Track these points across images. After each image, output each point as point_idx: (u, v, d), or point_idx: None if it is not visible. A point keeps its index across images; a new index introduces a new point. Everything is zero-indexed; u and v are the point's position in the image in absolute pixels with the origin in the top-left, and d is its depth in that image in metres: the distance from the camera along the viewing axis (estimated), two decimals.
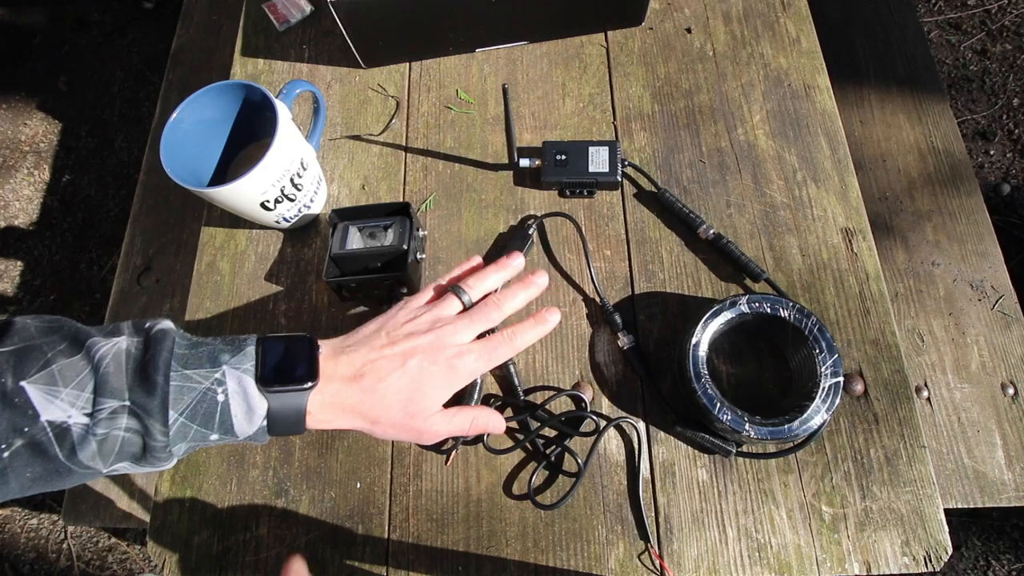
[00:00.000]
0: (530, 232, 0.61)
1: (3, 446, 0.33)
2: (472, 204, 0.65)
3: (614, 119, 0.68)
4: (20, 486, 0.35)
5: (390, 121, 0.70)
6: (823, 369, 0.50)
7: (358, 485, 0.55)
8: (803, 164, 0.64)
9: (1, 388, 0.33)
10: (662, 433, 0.55)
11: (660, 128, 0.67)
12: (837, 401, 0.50)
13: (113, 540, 1.33)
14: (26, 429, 0.33)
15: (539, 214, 0.63)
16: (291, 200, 0.59)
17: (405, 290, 0.58)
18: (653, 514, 0.52)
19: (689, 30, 0.72)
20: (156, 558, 0.55)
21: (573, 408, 0.56)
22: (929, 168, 0.99)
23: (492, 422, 0.47)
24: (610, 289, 0.60)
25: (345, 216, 0.60)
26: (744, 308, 0.53)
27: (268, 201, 0.57)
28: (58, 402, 0.34)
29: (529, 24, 0.70)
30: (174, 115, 0.56)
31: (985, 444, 0.81)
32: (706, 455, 0.54)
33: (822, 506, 0.52)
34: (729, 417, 0.50)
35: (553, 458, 0.54)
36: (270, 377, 0.38)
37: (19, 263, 1.62)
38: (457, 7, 0.65)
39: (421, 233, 0.61)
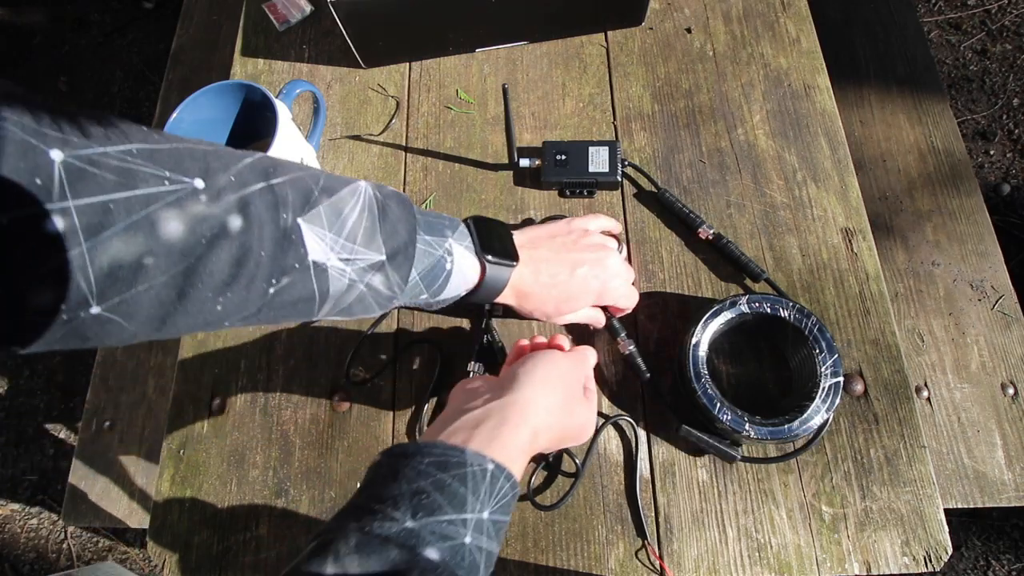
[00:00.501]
0: None
1: (273, 281, 0.32)
2: (472, 204, 0.65)
3: (614, 119, 0.68)
4: (258, 321, 0.34)
5: (390, 121, 0.70)
6: (823, 369, 0.50)
7: (358, 485, 0.55)
8: (803, 164, 0.64)
9: (283, 224, 0.31)
10: (662, 433, 0.55)
11: (660, 128, 0.67)
12: (837, 401, 0.50)
13: (113, 540, 1.33)
14: (296, 266, 0.32)
15: (539, 215, 0.63)
16: None
17: None
18: (653, 514, 0.52)
19: (689, 30, 0.71)
20: (156, 558, 0.55)
21: None
22: (929, 168, 0.98)
23: (600, 317, 0.55)
24: None
25: None
26: (744, 308, 0.53)
27: None
28: (322, 244, 0.33)
29: (529, 24, 0.70)
30: (174, 115, 0.56)
31: (985, 444, 0.81)
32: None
33: (822, 506, 0.52)
34: (729, 417, 0.50)
35: (551, 458, 0.54)
36: (490, 250, 0.44)
37: None
38: (457, 7, 0.65)
39: None
